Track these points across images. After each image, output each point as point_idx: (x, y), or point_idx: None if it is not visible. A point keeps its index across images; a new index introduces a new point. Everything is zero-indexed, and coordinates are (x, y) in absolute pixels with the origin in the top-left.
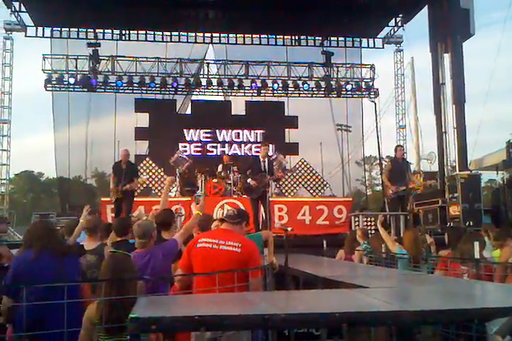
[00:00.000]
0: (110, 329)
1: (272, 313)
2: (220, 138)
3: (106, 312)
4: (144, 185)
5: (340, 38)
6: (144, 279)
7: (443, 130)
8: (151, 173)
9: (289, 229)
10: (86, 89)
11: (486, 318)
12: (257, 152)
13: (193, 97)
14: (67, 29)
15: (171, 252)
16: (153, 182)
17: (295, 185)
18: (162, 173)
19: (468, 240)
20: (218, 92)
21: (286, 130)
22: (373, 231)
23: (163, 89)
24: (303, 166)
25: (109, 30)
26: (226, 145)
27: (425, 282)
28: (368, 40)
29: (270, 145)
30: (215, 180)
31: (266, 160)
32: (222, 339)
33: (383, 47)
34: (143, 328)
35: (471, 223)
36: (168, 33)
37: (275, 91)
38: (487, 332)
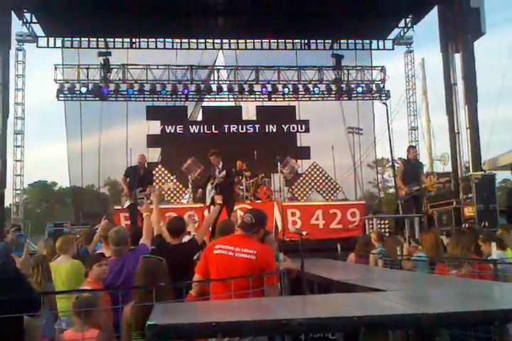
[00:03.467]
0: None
1: (289, 318)
2: None
3: (139, 316)
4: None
5: (349, 41)
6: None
7: (455, 130)
8: (163, 181)
9: (304, 233)
10: (98, 98)
11: (506, 320)
12: None
13: (204, 103)
14: (78, 39)
15: None
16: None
17: (307, 189)
18: (175, 180)
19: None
20: (229, 98)
21: (298, 134)
22: (387, 234)
23: (174, 96)
24: (315, 170)
25: (120, 39)
26: None
27: (443, 284)
28: (377, 42)
29: None
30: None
31: (220, 167)
32: None
33: (393, 49)
34: (161, 335)
35: (487, 224)
36: (178, 40)
37: (286, 96)
38: (509, 334)
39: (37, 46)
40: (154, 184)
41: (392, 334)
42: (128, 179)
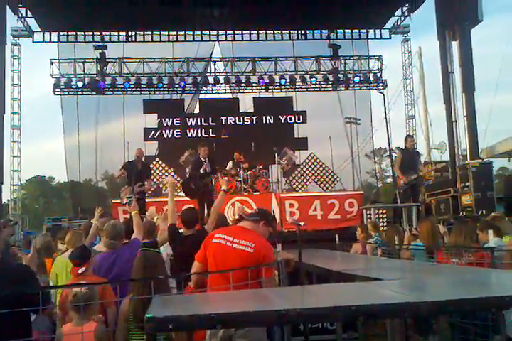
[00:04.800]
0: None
1: (287, 308)
2: None
3: (137, 308)
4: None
5: (346, 30)
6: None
7: (453, 119)
8: (161, 174)
9: (302, 223)
10: (94, 92)
11: (503, 307)
12: None
13: (201, 96)
14: (74, 33)
15: (137, 252)
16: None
17: (305, 180)
18: (172, 173)
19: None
20: (226, 90)
21: (295, 125)
22: (385, 224)
23: (170, 89)
24: (313, 161)
25: (115, 33)
26: None
27: (440, 272)
28: (374, 31)
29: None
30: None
31: (207, 160)
32: (236, 337)
33: (390, 38)
34: (159, 327)
35: (484, 211)
36: (174, 33)
37: (283, 87)
38: (504, 321)
39: (33, 41)
40: (152, 177)
41: (390, 324)
42: (126, 173)
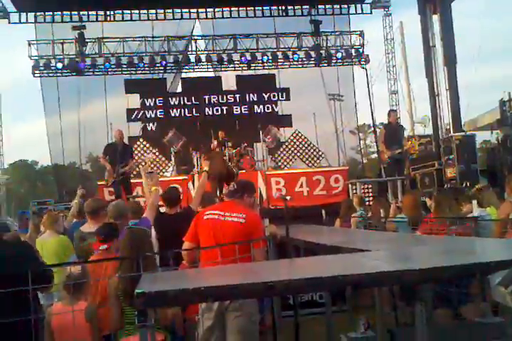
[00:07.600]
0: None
1: (276, 280)
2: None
3: (126, 285)
4: (153, 164)
5: (327, 6)
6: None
7: (435, 93)
8: (145, 154)
9: (288, 198)
10: (74, 73)
11: (487, 272)
12: None
13: (183, 75)
14: (51, 13)
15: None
16: (149, 163)
17: (290, 157)
18: (157, 153)
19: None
20: (208, 68)
21: (279, 102)
22: (371, 198)
23: (152, 69)
24: (297, 138)
25: (94, 12)
26: None
27: (426, 242)
28: (355, 6)
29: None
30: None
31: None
32: (229, 311)
33: (371, 13)
34: (150, 303)
35: (468, 184)
36: (154, 11)
37: (265, 64)
38: (489, 286)
39: (9, 22)
40: (136, 157)
41: (378, 294)
42: (108, 156)
